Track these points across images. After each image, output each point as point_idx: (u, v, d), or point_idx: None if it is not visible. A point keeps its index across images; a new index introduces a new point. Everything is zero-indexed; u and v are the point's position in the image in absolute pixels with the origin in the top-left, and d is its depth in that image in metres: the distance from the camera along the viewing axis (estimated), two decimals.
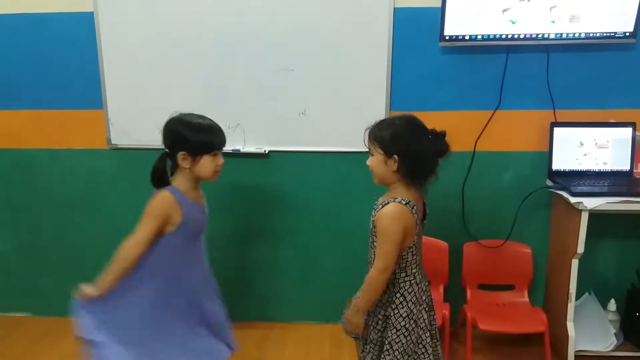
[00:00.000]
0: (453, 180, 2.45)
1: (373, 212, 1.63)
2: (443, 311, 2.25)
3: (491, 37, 2.24)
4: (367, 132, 1.62)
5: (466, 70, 2.35)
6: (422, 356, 1.68)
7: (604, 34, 2.20)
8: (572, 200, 2.07)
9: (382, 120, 1.63)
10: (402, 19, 2.30)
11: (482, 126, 2.39)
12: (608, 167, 2.30)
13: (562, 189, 2.19)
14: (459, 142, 2.41)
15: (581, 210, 2.03)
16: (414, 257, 1.63)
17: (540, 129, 2.36)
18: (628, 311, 2.36)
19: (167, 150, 1.69)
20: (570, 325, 2.19)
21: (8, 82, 2.51)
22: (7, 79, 2.50)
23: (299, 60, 2.36)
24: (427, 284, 1.71)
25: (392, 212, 1.56)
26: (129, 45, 2.40)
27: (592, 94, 2.34)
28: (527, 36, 2.22)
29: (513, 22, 2.21)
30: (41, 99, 2.51)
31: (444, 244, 2.44)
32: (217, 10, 2.33)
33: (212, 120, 1.74)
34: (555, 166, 2.31)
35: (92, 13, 2.38)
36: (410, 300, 1.63)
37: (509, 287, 2.47)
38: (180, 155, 1.66)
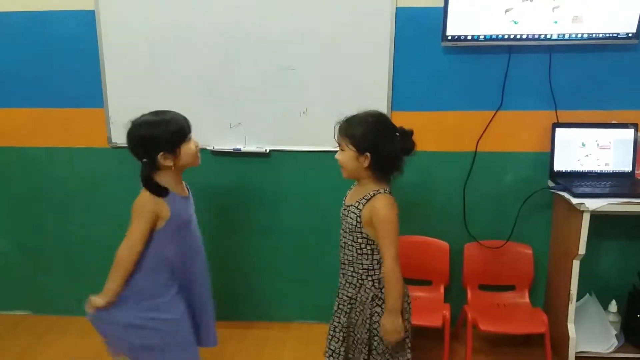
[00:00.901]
0: (454, 181, 2.44)
1: (351, 210, 1.65)
2: (443, 312, 2.24)
3: (493, 37, 2.23)
4: (338, 127, 1.66)
5: (468, 71, 2.34)
6: (400, 346, 1.71)
7: (607, 35, 2.19)
8: (574, 201, 2.06)
9: (353, 117, 1.66)
10: (404, 19, 2.30)
11: (484, 126, 2.38)
12: (610, 168, 2.29)
13: (564, 189, 2.19)
14: (461, 142, 2.41)
15: (583, 211, 2.03)
16: None
17: (542, 130, 2.35)
18: (629, 312, 2.35)
19: (144, 160, 1.65)
20: (571, 326, 2.19)
21: (8, 80, 2.50)
22: (8, 77, 2.50)
23: (300, 60, 2.35)
24: None
25: (388, 202, 1.61)
26: (130, 44, 2.40)
27: (595, 95, 2.33)
28: (530, 36, 2.22)
29: (515, 23, 2.20)
30: (42, 97, 2.51)
31: (444, 244, 2.44)
32: (218, 8, 2.33)
33: (166, 111, 1.72)
34: (557, 167, 2.30)
35: (93, 11, 2.38)
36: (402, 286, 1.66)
37: (510, 288, 2.46)
38: (160, 156, 1.64)
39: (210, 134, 2.46)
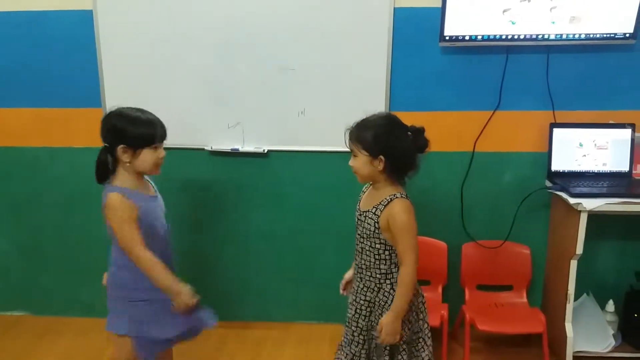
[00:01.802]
0: (452, 181, 2.45)
1: (368, 216, 1.63)
2: (441, 311, 2.25)
3: (491, 37, 2.23)
4: (348, 133, 1.64)
5: (466, 71, 2.35)
6: (422, 349, 1.72)
7: (604, 35, 2.20)
8: (571, 201, 2.07)
9: (362, 121, 1.64)
10: (402, 19, 2.30)
11: (482, 126, 2.39)
12: (607, 168, 2.30)
13: (561, 189, 2.19)
14: (458, 142, 2.41)
15: (580, 211, 2.03)
16: None
17: (540, 130, 2.35)
18: (626, 312, 2.36)
19: (106, 145, 1.65)
20: (568, 326, 2.20)
21: (7, 80, 2.50)
22: (6, 76, 2.49)
23: (298, 60, 2.36)
24: None
25: (405, 206, 1.60)
26: (128, 44, 2.40)
27: (592, 95, 2.34)
28: (527, 37, 2.22)
29: (513, 23, 2.20)
30: (40, 97, 2.51)
31: (442, 245, 2.44)
32: (216, 8, 2.33)
33: (152, 114, 1.70)
34: (555, 167, 2.31)
35: (91, 11, 2.38)
36: (413, 293, 1.66)
37: (508, 288, 2.47)
38: (120, 149, 1.62)
39: (208, 133, 2.46)
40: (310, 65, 2.36)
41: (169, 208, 1.80)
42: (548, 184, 2.32)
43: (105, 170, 1.67)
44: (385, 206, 1.60)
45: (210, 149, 2.47)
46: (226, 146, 2.47)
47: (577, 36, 2.20)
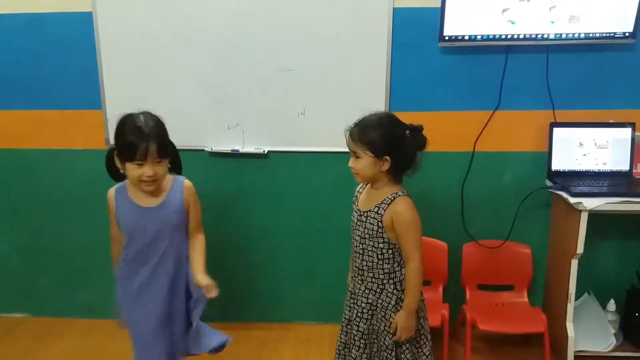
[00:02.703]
0: (452, 181, 2.45)
1: (371, 216, 1.63)
2: (442, 311, 2.25)
3: (491, 37, 2.23)
4: (348, 134, 1.63)
5: (465, 71, 2.35)
6: (424, 344, 1.74)
7: (604, 34, 2.20)
8: (572, 200, 2.07)
9: (363, 122, 1.62)
10: (402, 19, 2.30)
11: (482, 126, 2.39)
12: (607, 168, 2.30)
13: (562, 189, 2.19)
14: (459, 142, 2.41)
15: (581, 210, 2.03)
16: None
17: (540, 129, 2.35)
18: (627, 311, 2.35)
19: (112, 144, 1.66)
20: (569, 326, 2.19)
21: (6, 82, 2.50)
22: (6, 79, 2.49)
23: (298, 61, 2.36)
24: None
25: (409, 204, 1.61)
26: (128, 46, 2.40)
27: (592, 94, 2.34)
28: (527, 36, 2.22)
29: (512, 23, 2.20)
30: (40, 99, 2.50)
31: (443, 244, 2.44)
32: (216, 9, 2.33)
33: (155, 127, 1.60)
34: (555, 166, 2.31)
35: (90, 13, 2.38)
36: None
37: (509, 288, 2.47)
38: (115, 154, 1.64)
39: (208, 134, 2.46)
40: (310, 65, 2.36)
41: None
42: (548, 183, 2.32)
43: (114, 169, 1.68)
44: (388, 205, 1.60)
45: (210, 149, 2.47)
46: (226, 147, 2.47)
47: (576, 36, 2.20)
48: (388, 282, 1.66)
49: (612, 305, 2.36)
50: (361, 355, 1.71)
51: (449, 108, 2.38)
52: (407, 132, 1.61)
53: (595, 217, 2.06)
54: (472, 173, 2.43)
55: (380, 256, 1.64)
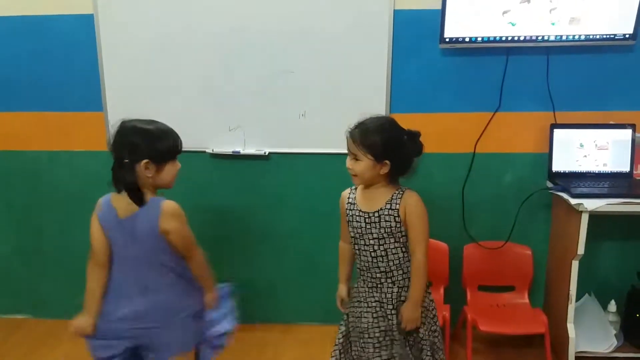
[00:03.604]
0: (453, 182, 2.45)
1: (385, 213, 1.63)
2: (443, 312, 2.25)
3: (491, 39, 2.24)
4: (350, 136, 1.63)
5: (466, 72, 2.35)
6: (439, 341, 1.78)
7: (604, 36, 2.20)
8: (573, 201, 2.07)
9: (363, 124, 1.62)
10: (402, 21, 2.30)
11: (482, 128, 2.39)
12: (608, 169, 2.30)
13: (562, 190, 2.19)
14: (459, 143, 2.42)
15: (581, 211, 2.03)
16: None
17: (540, 131, 2.36)
18: (628, 312, 2.35)
19: (126, 160, 1.55)
20: (570, 327, 2.19)
21: (8, 84, 2.51)
22: (8, 81, 2.50)
23: (299, 62, 2.36)
24: None
25: (418, 197, 1.65)
26: (129, 48, 2.40)
27: (592, 96, 2.34)
28: (527, 38, 2.22)
29: (513, 24, 2.21)
30: (41, 101, 2.51)
31: (444, 246, 2.44)
32: (217, 12, 2.33)
33: (162, 123, 1.64)
34: (556, 168, 2.31)
35: (92, 15, 2.38)
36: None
37: (510, 289, 2.47)
38: (143, 164, 1.54)
39: (209, 136, 2.47)
40: (311, 68, 2.36)
41: None
42: (549, 184, 2.33)
43: (138, 189, 1.58)
44: (400, 198, 1.63)
45: (211, 151, 2.47)
46: (227, 149, 2.47)
47: (576, 37, 2.21)
48: (407, 273, 1.69)
49: (612, 306, 2.36)
50: (403, 347, 1.69)
51: (449, 109, 2.39)
52: (405, 137, 1.62)
53: (596, 218, 2.07)
54: (473, 174, 2.44)
55: (404, 249, 1.67)
